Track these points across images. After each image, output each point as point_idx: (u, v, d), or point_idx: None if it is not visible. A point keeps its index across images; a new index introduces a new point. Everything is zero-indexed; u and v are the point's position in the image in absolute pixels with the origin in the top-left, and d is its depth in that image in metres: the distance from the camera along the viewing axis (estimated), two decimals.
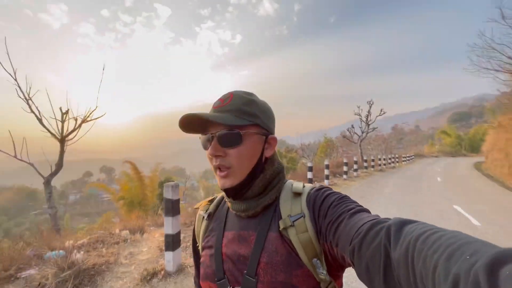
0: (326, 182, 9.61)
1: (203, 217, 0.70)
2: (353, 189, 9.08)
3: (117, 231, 4.42)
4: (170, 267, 2.97)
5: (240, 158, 0.58)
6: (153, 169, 14.43)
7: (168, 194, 3.00)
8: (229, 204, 0.64)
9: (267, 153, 0.62)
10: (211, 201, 0.73)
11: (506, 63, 14.26)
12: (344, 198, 0.55)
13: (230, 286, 0.58)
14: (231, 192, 0.60)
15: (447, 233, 0.33)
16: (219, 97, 0.61)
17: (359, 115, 20.37)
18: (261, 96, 0.65)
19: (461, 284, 0.26)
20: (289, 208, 0.58)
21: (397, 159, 20.71)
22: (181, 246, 3.35)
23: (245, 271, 0.57)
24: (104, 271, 3.02)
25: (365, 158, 15.78)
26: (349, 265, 0.47)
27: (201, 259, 0.67)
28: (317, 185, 0.63)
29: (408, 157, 26.22)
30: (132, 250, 3.70)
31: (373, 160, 16.07)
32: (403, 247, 0.34)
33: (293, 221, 0.56)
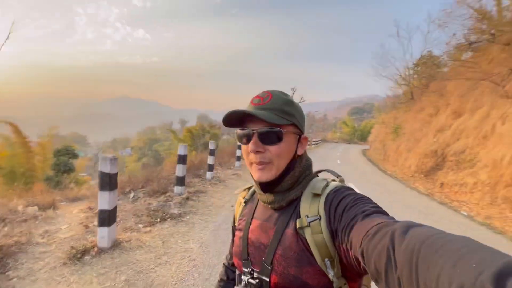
0: None
1: (241, 202, 0.79)
2: None
3: (20, 207, 3.71)
4: (104, 243, 2.80)
5: (279, 155, 0.61)
6: (43, 134, 11.95)
7: (106, 168, 2.75)
8: (258, 195, 0.70)
9: (299, 151, 0.66)
10: (248, 188, 0.80)
11: (394, 73, 18.00)
12: (359, 200, 0.54)
13: (252, 267, 0.65)
14: (264, 186, 0.65)
15: (454, 239, 0.32)
16: (257, 95, 0.65)
17: None
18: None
19: None
20: (307, 208, 0.60)
21: (309, 143, 23.70)
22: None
23: (263, 258, 0.63)
24: (16, 253, 2.59)
25: None
26: (364, 270, 0.46)
27: (234, 238, 0.75)
28: (338, 184, 0.63)
29: (317, 141, 30.38)
30: (47, 228, 3.23)
31: None
32: (408, 251, 0.34)
33: (309, 222, 0.58)
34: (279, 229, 0.62)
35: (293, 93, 21.79)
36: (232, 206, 4.58)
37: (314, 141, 27.97)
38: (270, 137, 0.61)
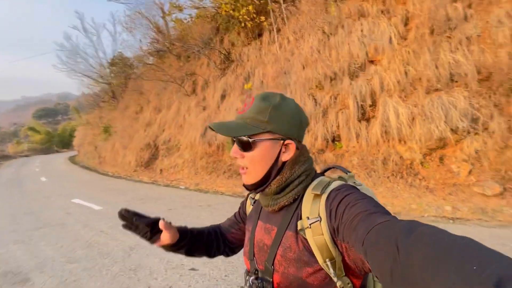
0: None
1: (251, 202, 0.82)
2: None
3: None
4: None
5: (252, 162, 0.64)
6: None
7: None
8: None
9: (284, 157, 0.65)
10: None
11: (89, 70, 16.94)
12: (361, 199, 0.53)
13: (257, 267, 0.68)
14: (248, 188, 0.68)
15: (458, 240, 0.32)
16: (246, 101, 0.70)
17: None
18: None
19: None
20: (309, 208, 0.60)
21: None
22: None
23: (265, 259, 0.65)
24: None
25: None
26: (368, 268, 0.48)
27: (245, 238, 0.77)
28: (340, 183, 0.62)
29: None
30: None
31: None
32: (411, 251, 0.34)
33: (310, 224, 0.58)
34: (280, 231, 0.64)
35: None
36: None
37: None
38: (242, 145, 0.64)
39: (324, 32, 6.55)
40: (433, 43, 5.30)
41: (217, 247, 0.86)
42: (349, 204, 0.53)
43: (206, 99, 9.20)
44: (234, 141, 0.66)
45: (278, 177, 0.65)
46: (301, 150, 0.67)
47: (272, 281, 0.63)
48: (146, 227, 0.74)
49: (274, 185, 0.65)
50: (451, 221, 4.08)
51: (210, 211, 5.27)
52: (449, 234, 0.34)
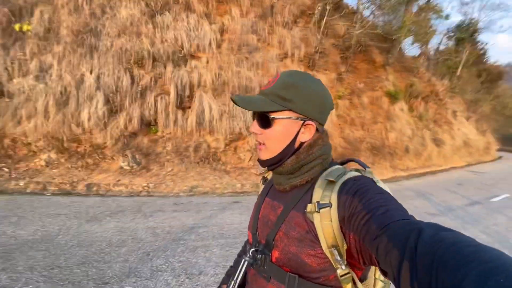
0: None
1: (262, 182, 0.83)
2: None
3: None
4: None
5: (269, 139, 0.64)
6: None
7: None
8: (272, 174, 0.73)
9: (303, 138, 0.64)
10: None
11: None
12: (380, 193, 0.52)
13: (258, 240, 0.70)
14: (262, 164, 0.69)
15: (483, 249, 0.30)
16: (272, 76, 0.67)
17: None
18: None
19: None
20: (320, 194, 0.58)
21: None
22: None
23: (268, 234, 0.66)
24: None
25: None
26: (375, 263, 0.46)
27: (252, 213, 0.77)
28: (357, 174, 0.60)
29: None
30: None
31: None
32: (431, 255, 0.32)
33: (319, 208, 0.56)
34: (286, 210, 0.64)
35: None
36: None
37: None
38: (262, 121, 0.64)
39: (148, 5, 6.00)
40: (237, 59, 6.79)
41: None
42: (365, 196, 0.51)
43: None
44: (253, 115, 0.67)
45: (293, 157, 0.64)
46: (321, 133, 0.66)
47: (271, 256, 0.64)
48: None
49: (288, 164, 0.64)
50: (241, 194, 5.61)
51: None
52: (476, 242, 0.33)
